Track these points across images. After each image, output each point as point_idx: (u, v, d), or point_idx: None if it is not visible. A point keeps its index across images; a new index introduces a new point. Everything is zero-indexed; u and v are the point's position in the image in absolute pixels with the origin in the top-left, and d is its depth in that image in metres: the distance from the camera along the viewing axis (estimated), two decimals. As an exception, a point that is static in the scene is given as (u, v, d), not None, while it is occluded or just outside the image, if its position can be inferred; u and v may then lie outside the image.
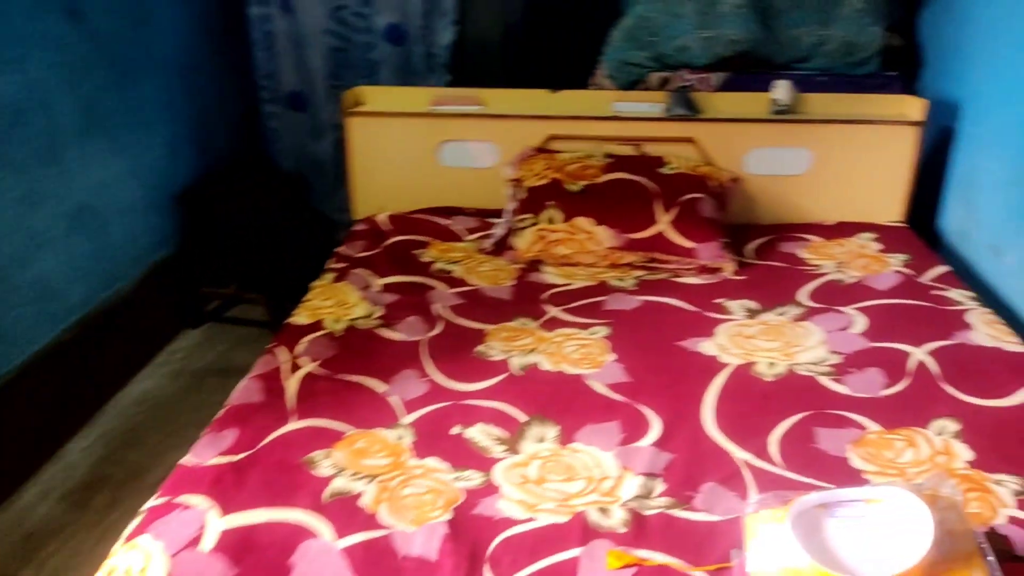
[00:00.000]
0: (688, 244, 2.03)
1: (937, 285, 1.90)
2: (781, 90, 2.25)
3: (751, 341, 1.71)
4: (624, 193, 2.12)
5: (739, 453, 1.37)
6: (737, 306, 1.87)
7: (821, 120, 2.21)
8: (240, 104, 3.09)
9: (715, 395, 1.54)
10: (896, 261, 2.03)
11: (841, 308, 1.83)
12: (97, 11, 2.26)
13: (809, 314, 1.82)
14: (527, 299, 1.93)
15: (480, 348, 1.71)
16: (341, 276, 2.01)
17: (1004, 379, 1.51)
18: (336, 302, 1.88)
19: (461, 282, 2.02)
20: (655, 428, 1.43)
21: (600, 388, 1.57)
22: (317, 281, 2.02)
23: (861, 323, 1.76)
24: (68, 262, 2.22)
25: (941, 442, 1.37)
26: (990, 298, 1.89)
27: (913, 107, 2.19)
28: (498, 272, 2.06)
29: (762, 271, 2.04)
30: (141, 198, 2.54)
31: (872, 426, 1.42)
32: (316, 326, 1.77)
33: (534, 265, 2.09)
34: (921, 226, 2.26)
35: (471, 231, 2.28)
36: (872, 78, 2.50)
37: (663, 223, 2.04)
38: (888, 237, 2.16)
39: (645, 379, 1.59)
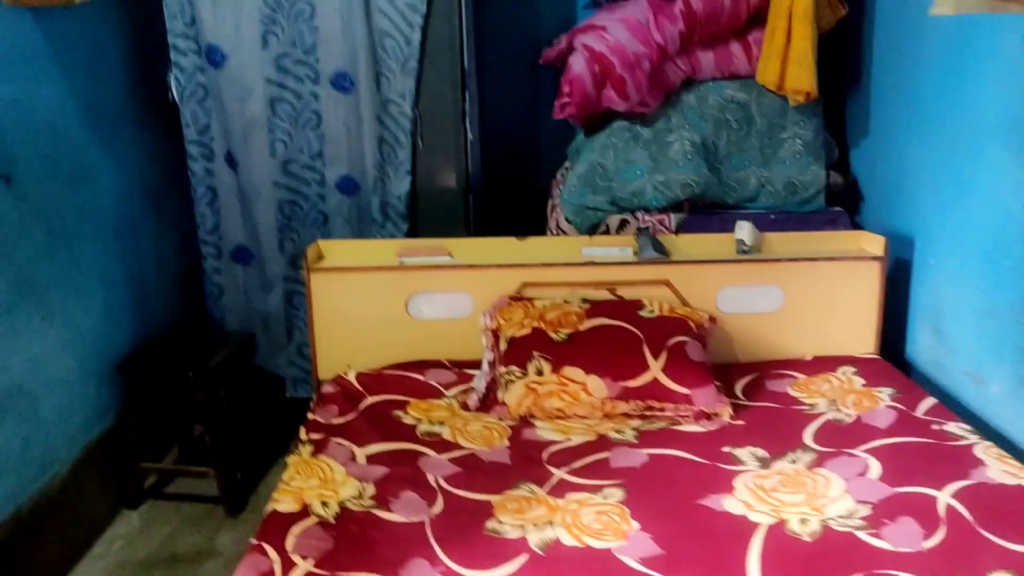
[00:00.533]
0: (683, 390, 1.97)
1: (933, 419, 1.90)
2: (745, 231, 2.31)
3: (774, 495, 1.64)
4: (611, 340, 2.07)
5: (803, 632, 1.26)
6: (747, 455, 1.81)
7: (788, 259, 2.26)
8: (180, 263, 2.93)
9: (757, 562, 1.43)
10: (885, 395, 2.03)
11: (851, 451, 1.79)
12: (30, 174, 2.10)
13: (821, 460, 1.77)
14: (527, 461, 1.81)
15: (491, 524, 1.56)
16: (320, 448, 1.83)
17: (1041, 519, 1.49)
18: (320, 481, 1.70)
19: (453, 446, 1.87)
20: (706, 610, 1.31)
21: (633, 563, 1.44)
22: (293, 455, 1.83)
23: (875, 467, 1.72)
24: (-7, 452, 1.95)
25: (1005, 600, 1.31)
26: (980, 427, 1.91)
27: (873, 242, 2.28)
28: (490, 431, 1.93)
29: (758, 413, 2.00)
30: (76, 370, 2.30)
31: (927, 586, 1.35)
32: (304, 512, 1.58)
33: (526, 421, 1.98)
34: (891, 357, 2.30)
35: (449, 385, 2.16)
36: (819, 214, 2.62)
37: (655, 369, 1.99)
38: (867, 370, 2.18)
39: (678, 549, 1.47)
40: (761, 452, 1.82)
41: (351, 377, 2.19)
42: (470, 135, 2.66)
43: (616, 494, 1.66)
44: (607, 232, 2.59)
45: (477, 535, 1.54)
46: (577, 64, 2.55)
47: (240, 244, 2.80)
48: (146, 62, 2.73)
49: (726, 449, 1.84)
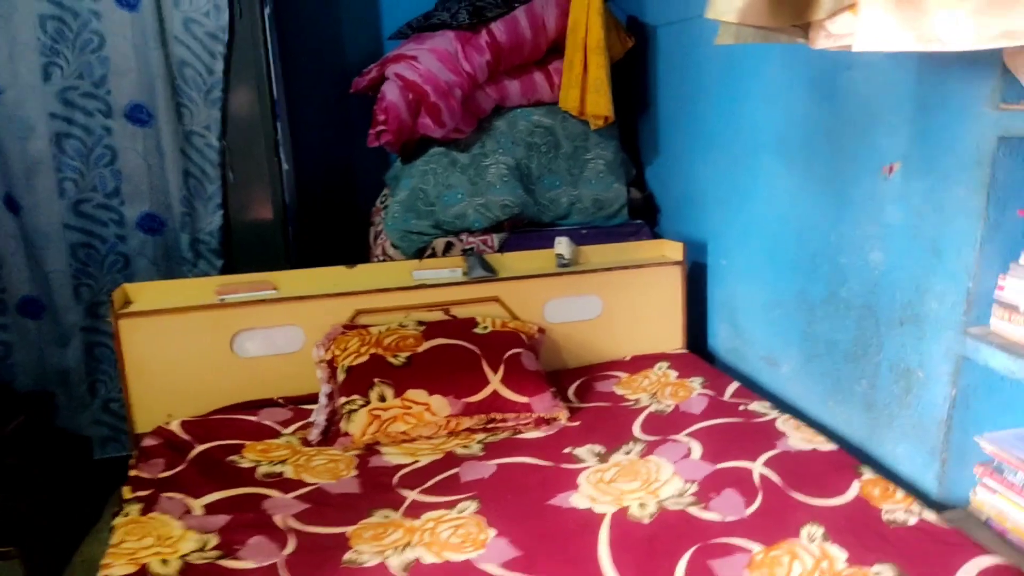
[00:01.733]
0: (522, 399, 2.05)
1: (739, 400, 2.13)
2: (563, 246, 2.45)
3: (614, 485, 1.75)
4: (449, 358, 2.10)
5: (657, 605, 1.37)
6: (586, 452, 1.92)
7: (604, 269, 2.43)
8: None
9: (606, 549, 1.53)
10: (696, 384, 2.24)
11: (674, 437, 1.96)
12: None
13: (650, 448, 1.92)
14: (378, 487, 1.79)
15: (348, 556, 1.53)
16: (150, 505, 1.69)
17: (835, 478, 1.71)
18: (156, 539, 1.57)
19: (297, 483, 1.81)
20: (568, 600, 1.38)
21: (493, 569, 1.48)
22: (119, 517, 1.68)
23: (697, 448, 1.89)
24: None
25: (817, 548, 1.49)
26: (778, 403, 2.16)
27: (673, 249, 2.52)
28: (335, 464, 1.89)
29: (591, 413, 2.13)
30: None
31: (754, 547, 1.51)
32: (142, 574, 1.46)
33: (371, 449, 1.96)
34: (697, 350, 2.54)
35: (286, 423, 2.09)
36: (624, 227, 2.84)
37: (495, 382, 2.06)
38: (679, 363, 2.39)
39: (534, 549, 1.53)
40: (598, 448, 1.94)
41: (174, 427, 2.05)
42: (285, 165, 2.60)
43: (471, 506, 1.69)
44: (433, 255, 2.64)
45: (334, 569, 1.50)
46: (391, 92, 2.59)
47: (28, 296, 2.52)
48: None
49: (567, 450, 1.94)
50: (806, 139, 2.02)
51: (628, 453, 1.91)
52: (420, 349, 2.12)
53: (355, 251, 3.14)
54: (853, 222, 1.87)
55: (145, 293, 2.18)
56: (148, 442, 2.00)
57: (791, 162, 2.10)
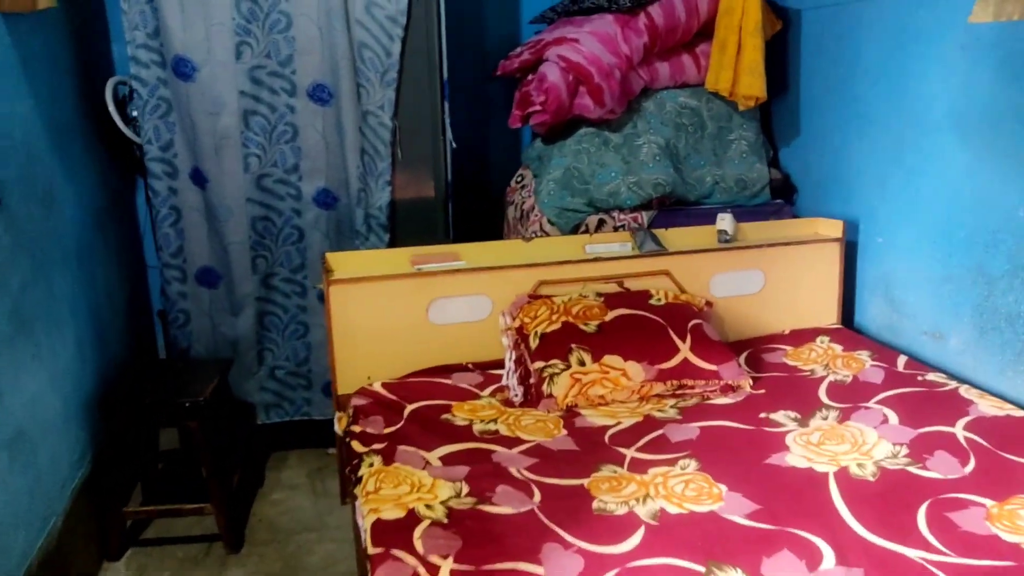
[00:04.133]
0: (711, 367, 2.14)
1: (913, 372, 2.21)
2: (726, 222, 2.53)
3: (824, 448, 1.84)
4: (636, 327, 2.20)
5: (911, 552, 1.45)
6: (782, 417, 2.01)
7: (768, 244, 2.51)
8: (129, 290, 2.72)
9: (841, 502, 1.62)
10: (865, 357, 2.32)
11: (865, 405, 2.04)
12: (14, 197, 1.91)
13: (845, 414, 2.00)
14: (594, 445, 1.89)
15: (596, 504, 1.63)
16: (389, 457, 1.81)
17: (1042, 439, 1.79)
18: (411, 486, 1.69)
19: (515, 440, 1.92)
20: (825, 549, 1.47)
21: (740, 520, 1.57)
22: (363, 468, 1.79)
23: (892, 415, 1.97)
24: (7, 505, 1.74)
25: (1051, 503, 1.58)
26: (949, 375, 2.23)
27: (831, 227, 2.59)
28: (543, 423, 2.00)
29: (772, 382, 2.21)
30: (61, 411, 2.09)
31: (987, 501, 1.59)
32: (412, 517, 1.57)
33: (572, 411, 2.06)
34: (846, 325, 2.62)
35: (480, 386, 2.20)
36: (765, 207, 2.91)
37: (684, 350, 2.15)
38: (839, 337, 2.47)
39: (772, 502, 1.63)
40: (793, 414, 2.02)
41: (377, 388, 2.17)
42: (453, 144, 2.70)
43: (691, 464, 1.79)
44: (587, 232, 2.73)
45: (588, 515, 1.60)
46: (552, 74, 2.68)
47: (206, 266, 2.66)
48: (88, 75, 2.53)
49: (763, 415, 2.02)
50: (990, 118, 2.08)
51: (825, 419, 1.99)
52: (607, 318, 2.22)
53: (490, 229, 3.25)
54: (1049, 198, 1.94)
55: (345, 262, 2.29)
56: (358, 401, 2.12)
57: (969, 140, 2.16)
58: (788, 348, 2.44)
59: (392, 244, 2.72)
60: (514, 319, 2.27)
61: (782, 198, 2.97)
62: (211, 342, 2.72)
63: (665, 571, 1.43)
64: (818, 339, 2.47)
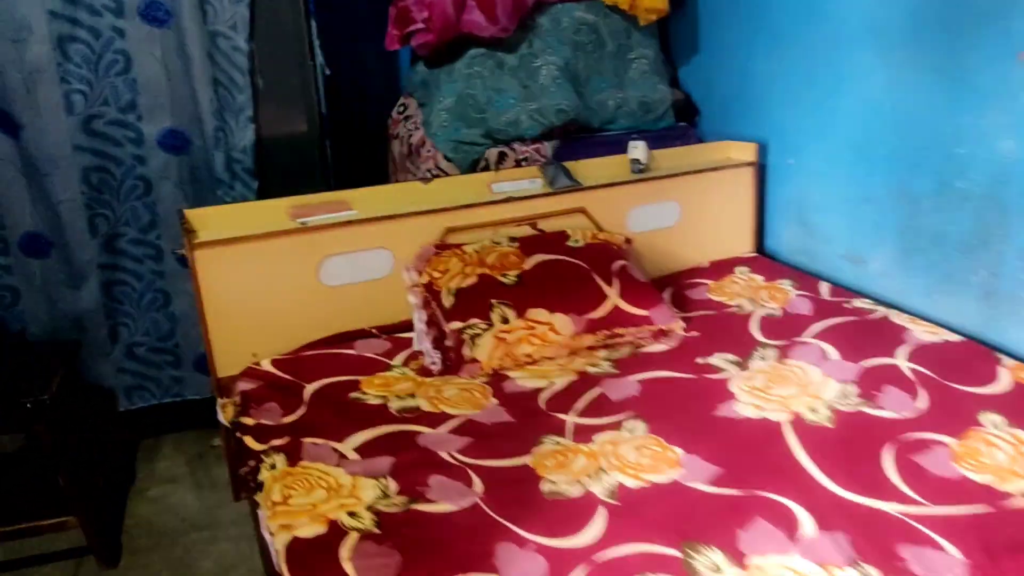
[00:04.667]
0: (642, 312, 1.97)
1: (838, 299, 2.14)
2: (639, 151, 2.33)
3: (773, 392, 1.72)
4: (559, 275, 1.98)
5: (889, 507, 1.35)
6: (720, 361, 1.87)
7: (684, 173, 2.34)
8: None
9: (803, 455, 1.50)
10: (787, 286, 2.23)
11: (801, 339, 1.94)
12: None
13: (784, 352, 1.89)
14: (530, 414, 1.68)
15: (546, 487, 1.43)
16: (294, 455, 1.52)
17: (979, 366, 1.75)
18: (327, 490, 1.41)
19: (441, 416, 1.67)
20: (800, 514, 1.34)
21: (705, 487, 1.42)
22: (263, 472, 1.49)
23: (830, 350, 1.88)
24: None
25: (1007, 434, 1.52)
26: (873, 300, 2.18)
27: (743, 150, 2.45)
28: (469, 393, 1.76)
29: (700, 322, 2.08)
30: None
31: (947, 439, 1.52)
32: (336, 531, 1.30)
33: (499, 374, 1.83)
34: (758, 252, 2.53)
35: (389, 354, 1.92)
36: (671, 131, 2.74)
37: (613, 297, 1.96)
38: (759, 267, 2.37)
39: (733, 462, 1.48)
40: (730, 356, 1.89)
41: (266, 366, 1.84)
42: (327, 70, 2.31)
43: (638, 426, 1.62)
44: (487, 168, 2.45)
45: (540, 501, 1.40)
46: (436, -15, 2.33)
47: (31, 232, 2.17)
48: None
49: (700, 360, 1.88)
50: (911, 29, 1.97)
51: (764, 359, 1.87)
52: (526, 266, 1.98)
53: (373, 170, 2.90)
54: (976, 111, 1.85)
55: (209, 220, 1.90)
56: (244, 385, 1.79)
57: (889, 53, 2.04)
58: (709, 282, 2.31)
59: (262, 193, 2.33)
60: (421, 274, 1.98)
61: (684, 120, 2.81)
62: (50, 322, 2.26)
63: (638, 561, 1.25)
64: (737, 270, 2.36)
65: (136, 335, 2.35)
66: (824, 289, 2.22)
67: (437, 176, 2.29)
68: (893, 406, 1.64)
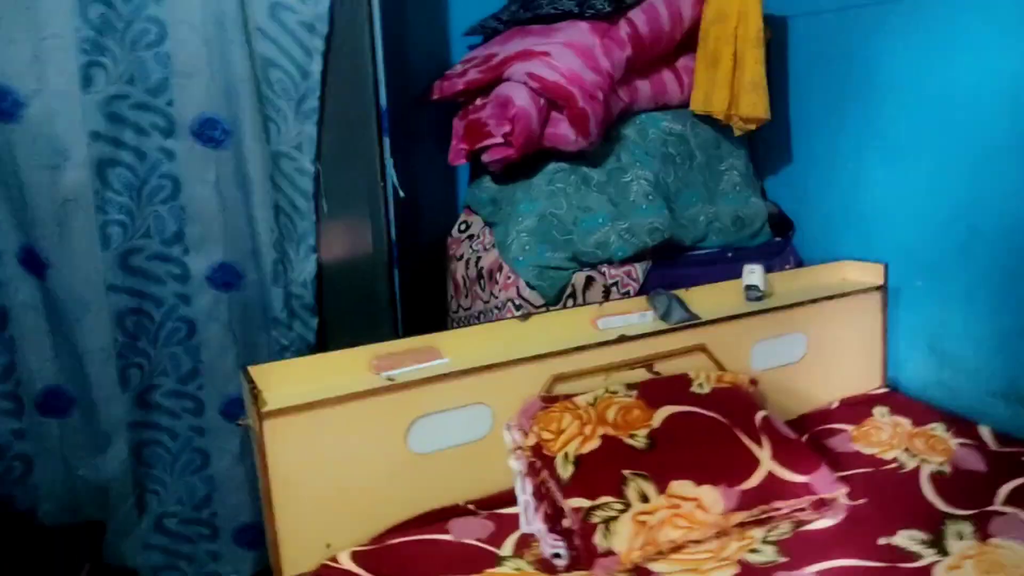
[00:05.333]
0: (802, 478, 1.61)
1: (1011, 450, 1.80)
2: (756, 275, 2.04)
3: (996, 590, 1.36)
4: (697, 433, 1.64)
5: None
6: (908, 542, 1.51)
7: (809, 301, 2.04)
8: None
9: None
10: (942, 431, 1.89)
11: (994, 508, 1.59)
12: None
13: (981, 526, 1.53)
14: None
15: None
16: None
17: None
18: None
19: (583, 638, 1.29)
20: None
21: None
22: None
23: (1038, 522, 1.54)
24: None
25: None
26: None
27: (868, 272, 2.17)
28: (610, 600, 1.38)
29: (861, 484, 1.71)
30: None
31: None
32: None
33: (640, 570, 1.46)
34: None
35: (493, 540, 1.55)
36: (767, 247, 2.46)
37: (766, 460, 1.61)
38: (898, 407, 2.03)
39: None
40: (918, 533, 1.53)
41: (344, 562, 1.47)
42: (400, 192, 2.04)
43: (846, 647, 1.25)
44: (573, 295, 2.15)
45: None
46: (520, 96, 2.08)
47: (51, 386, 1.82)
48: None
49: (883, 541, 1.52)
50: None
51: (962, 538, 1.52)
52: (655, 423, 1.64)
53: (433, 294, 2.59)
54: None
55: (275, 377, 1.56)
56: (318, 592, 1.41)
57: None
58: (849, 428, 1.96)
59: (322, 332, 2.01)
60: (527, 434, 1.64)
61: (778, 236, 2.54)
62: (67, 495, 1.87)
63: None
64: (875, 411, 2.02)
65: (168, 504, 1.97)
66: (987, 435, 1.88)
67: (532, 312, 1.98)
68: None
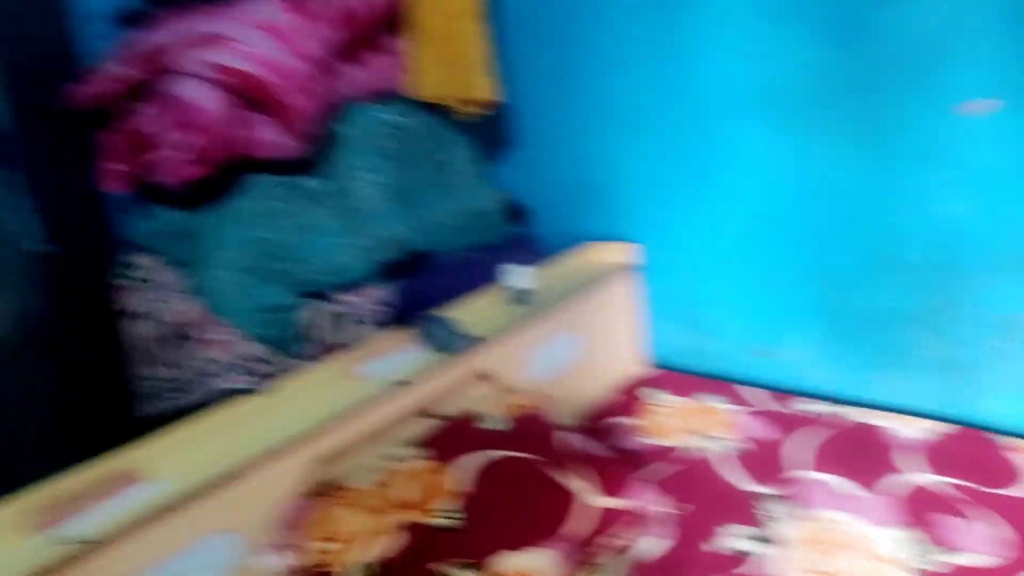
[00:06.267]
0: (624, 501, 1.41)
1: (784, 410, 1.82)
2: (524, 276, 1.81)
3: (830, 561, 1.30)
4: (507, 483, 1.35)
5: None
6: (738, 541, 1.40)
7: (577, 297, 1.86)
8: None
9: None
10: (722, 406, 1.86)
11: (799, 477, 1.56)
12: None
13: (797, 502, 1.49)
14: None
15: None
16: None
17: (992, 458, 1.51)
18: None
19: None
20: None
21: None
22: None
23: (850, 485, 1.52)
24: None
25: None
26: (802, 396, 1.91)
27: (616, 252, 2.06)
28: None
29: (670, 486, 1.58)
30: None
31: None
32: None
33: None
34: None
35: None
36: (508, 241, 2.26)
37: (584, 493, 1.38)
38: (674, 386, 1.97)
39: None
40: (743, 528, 1.43)
41: None
42: (50, 245, 1.43)
43: None
44: (304, 334, 1.74)
45: None
46: (202, 95, 1.59)
47: None
48: None
49: (708, 547, 1.40)
50: (815, 94, 1.72)
51: (778, 519, 1.45)
52: (455, 487, 1.33)
53: (103, 377, 1.96)
54: (909, 175, 1.65)
55: None
56: None
57: (789, 121, 1.77)
58: (631, 420, 1.84)
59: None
60: (298, 553, 1.23)
61: (518, 225, 2.35)
62: None
63: None
64: (651, 395, 1.94)
65: None
66: (760, 396, 1.89)
67: (262, 375, 1.53)
68: (973, 544, 1.32)
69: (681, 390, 1.96)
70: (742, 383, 1.98)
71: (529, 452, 1.42)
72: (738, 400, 1.88)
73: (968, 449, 1.59)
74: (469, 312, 1.73)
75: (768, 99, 1.81)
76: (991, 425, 1.70)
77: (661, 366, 2.17)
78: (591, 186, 2.20)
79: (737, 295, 2.02)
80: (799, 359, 1.96)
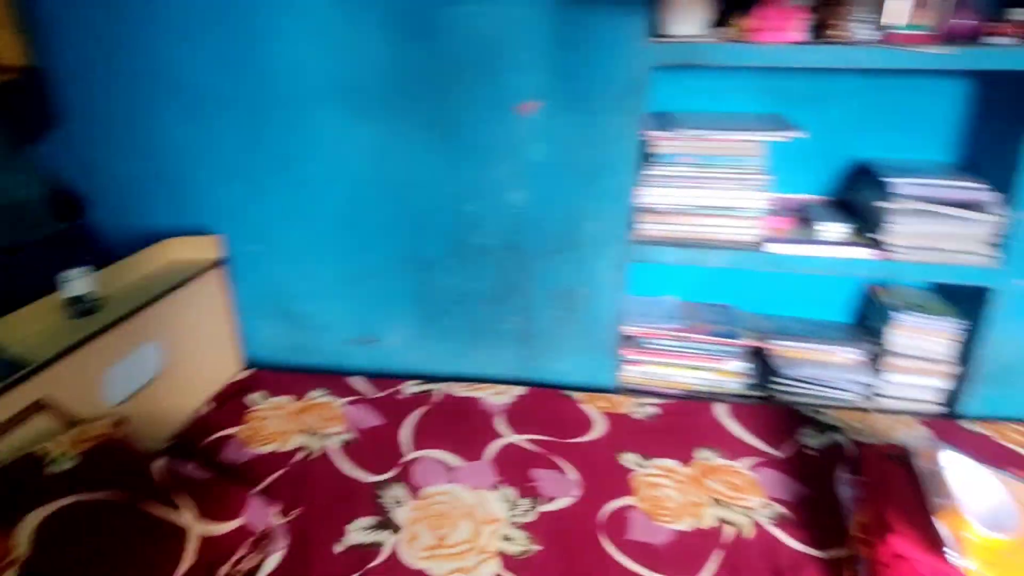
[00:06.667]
0: (234, 524, 1.28)
1: (389, 393, 1.85)
2: (81, 283, 1.51)
3: (447, 543, 1.36)
4: (88, 534, 1.12)
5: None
6: (362, 535, 1.39)
7: (156, 298, 1.62)
8: None
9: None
10: (326, 397, 1.82)
11: (410, 458, 1.59)
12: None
13: (410, 482, 1.52)
14: None
15: None
16: None
17: (565, 409, 1.75)
18: None
19: None
20: None
21: None
22: None
23: (450, 457, 1.60)
24: None
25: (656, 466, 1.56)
26: (398, 377, 1.96)
27: (198, 247, 1.86)
28: None
29: (284, 493, 1.49)
30: None
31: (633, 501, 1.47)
32: None
33: None
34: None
35: None
36: (61, 236, 1.89)
37: (195, 527, 1.21)
38: (269, 386, 1.87)
39: None
40: (365, 521, 1.42)
41: None
42: None
43: None
44: None
45: None
46: None
47: None
48: None
49: (339, 549, 1.35)
50: (394, 85, 1.75)
51: (400, 503, 1.48)
52: (19, 552, 1.05)
53: None
54: (480, 167, 1.79)
55: None
56: None
57: (369, 113, 1.78)
58: (233, 430, 1.70)
59: None
60: None
61: (68, 218, 1.97)
62: None
63: None
64: (250, 399, 1.81)
65: None
66: (362, 385, 1.90)
67: None
68: (557, 490, 1.51)
69: (285, 389, 1.87)
70: (347, 374, 1.97)
71: (112, 491, 1.20)
72: (345, 391, 1.87)
73: (544, 407, 1.81)
74: (11, 328, 1.39)
75: (346, 89, 1.79)
76: (561, 383, 1.96)
77: (261, 366, 2.05)
78: (159, 173, 1.95)
79: (332, 285, 1.99)
80: (399, 343, 2.02)
